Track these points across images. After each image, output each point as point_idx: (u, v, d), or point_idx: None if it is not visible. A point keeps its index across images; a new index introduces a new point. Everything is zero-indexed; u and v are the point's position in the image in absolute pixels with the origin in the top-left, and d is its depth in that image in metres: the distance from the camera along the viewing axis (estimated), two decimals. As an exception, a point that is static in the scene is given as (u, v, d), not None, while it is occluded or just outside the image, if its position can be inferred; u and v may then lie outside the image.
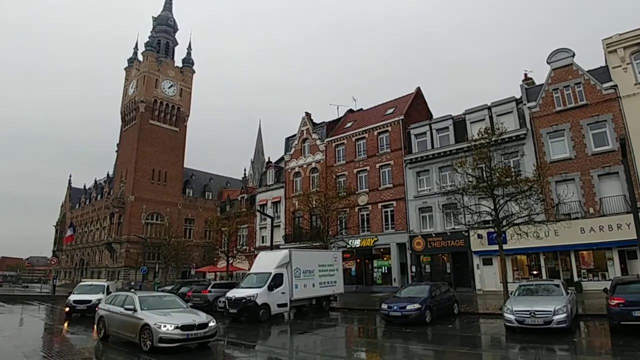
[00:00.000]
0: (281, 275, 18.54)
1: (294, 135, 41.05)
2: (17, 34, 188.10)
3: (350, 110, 41.14)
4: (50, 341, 14.04)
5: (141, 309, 11.24)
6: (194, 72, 70.68)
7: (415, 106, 34.98)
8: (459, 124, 29.28)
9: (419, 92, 36.74)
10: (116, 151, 69.51)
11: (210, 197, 69.05)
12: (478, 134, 19.18)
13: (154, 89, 64.17)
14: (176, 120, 66.70)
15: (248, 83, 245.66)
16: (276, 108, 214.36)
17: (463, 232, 26.10)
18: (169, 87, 66.44)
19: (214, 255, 44.84)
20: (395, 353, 11.41)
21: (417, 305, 14.58)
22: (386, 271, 31.86)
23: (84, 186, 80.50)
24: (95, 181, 77.39)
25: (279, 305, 18.04)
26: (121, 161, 66.22)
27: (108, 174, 73.03)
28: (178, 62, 69.91)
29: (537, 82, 28.12)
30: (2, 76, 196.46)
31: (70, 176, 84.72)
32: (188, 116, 68.72)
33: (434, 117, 33.81)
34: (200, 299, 22.01)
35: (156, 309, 11.41)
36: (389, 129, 33.27)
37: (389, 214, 32.08)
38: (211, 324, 11.19)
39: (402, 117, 32.76)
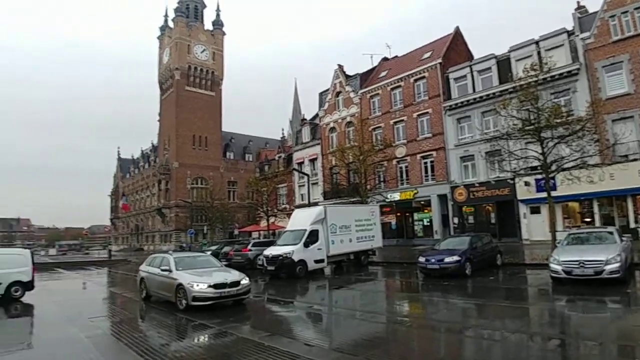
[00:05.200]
0: (316, 231, 18.40)
1: (328, 90, 39.91)
2: (55, 27, 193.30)
3: (385, 59, 39.15)
4: (97, 302, 14.83)
5: (176, 270, 11.43)
6: (224, 34, 69.78)
7: (453, 48, 32.59)
8: (503, 63, 27.04)
9: (457, 32, 34.10)
10: (158, 120, 71.24)
11: (250, 159, 69.96)
12: (524, 72, 17.49)
13: (186, 55, 64.23)
14: (211, 84, 66.89)
15: (282, 41, 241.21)
16: (311, 65, 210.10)
17: (508, 180, 24.68)
18: (202, 52, 66.20)
19: (256, 215, 45.85)
20: (434, 306, 11.01)
21: (455, 258, 13.97)
22: (427, 224, 31.14)
23: (132, 156, 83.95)
24: (142, 151, 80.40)
25: (316, 261, 18.02)
26: (163, 129, 67.99)
27: (152, 143, 75.44)
28: (208, 25, 69.17)
29: (592, 10, 25.10)
30: (50, 64, 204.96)
31: (118, 148, 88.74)
32: (222, 80, 68.65)
33: (475, 58, 31.39)
34: (242, 258, 22.62)
35: (190, 268, 11.56)
36: (426, 74, 31.38)
37: (429, 164, 30.91)
38: (243, 281, 11.23)
39: (439, 60, 30.68)
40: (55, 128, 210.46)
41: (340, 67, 38.95)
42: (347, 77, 38.34)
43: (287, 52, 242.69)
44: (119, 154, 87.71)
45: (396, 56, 38.38)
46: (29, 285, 14.47)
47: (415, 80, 32.12)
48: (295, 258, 17.27)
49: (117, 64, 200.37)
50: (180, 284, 10.75)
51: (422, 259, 14.82)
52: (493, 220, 27.43)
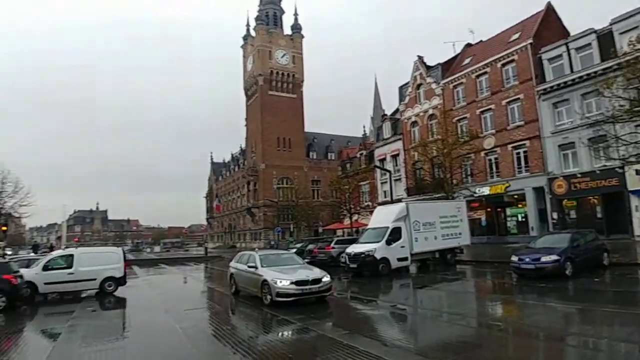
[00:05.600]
0: (399, 229, 18.00)
1: (407, 83, 38.83)
2: (143, 36, 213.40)
3: (468, 45, 36.94)
4: (193, 295, 16.06)
5: (261, 266, 11.92)
6: (302, 37, 71.44)
7: (545, 25, 29.61)
8: (605, 38, 23.96)
9: (549, 7, 30.95)
10: (245, 125, 75.33)
11: (332, 158, 70.81)
12: (629, 46, 15.37)
13: (268, 61, 66.92)
14: (292, 87, 68.92)
15: (359, 37, 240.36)
16: (390, 59, 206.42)
17: (616, 169, 21.84)
18: (282, 57, 68.52)
19: (339, 213, 46.27)
20: (528, 309, 10.09)
21: (554, 257, 12.64)
22: (522, 219, 28.77)
23: (223, 160, 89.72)
24: (232, 155, 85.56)
25: (399, 259, 17.63)
26: (250, 134, 71.69)
27: (241, 147, 79.88)
28: (287, 30, 71.35)
29: None
30: (154, 74, 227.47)
31: (211, 153, 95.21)
32: (303, 81, 70.37)
33: (571, 35, 28.25)
34: (325, 255, 22.93)
35: (275, 266, 11.97)
36: (515, 57, 29.00)
37: (522, 155, 28.56)
38: (325, 279, 11.35)
39: (530, 41, 28.12)
40: (157, 135, 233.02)
41: (420, 58, 37.65)
42: (428, 67, 36.93)
43: (366, 47, 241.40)
44: (211, 159, 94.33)
45: (481, 41, 36.02)
46: (121, 281, 15.78)
47: (503, 65, 29.87)
48: (378, 256, 17.07)
49: (209, 75, 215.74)
50: (265, 280, 11.20)
51: (515, 258, 13.71)
52: (599, 215, 24.46)
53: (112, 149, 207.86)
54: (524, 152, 28.36)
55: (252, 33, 70.41)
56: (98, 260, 15.56)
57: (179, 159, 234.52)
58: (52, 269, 14.68)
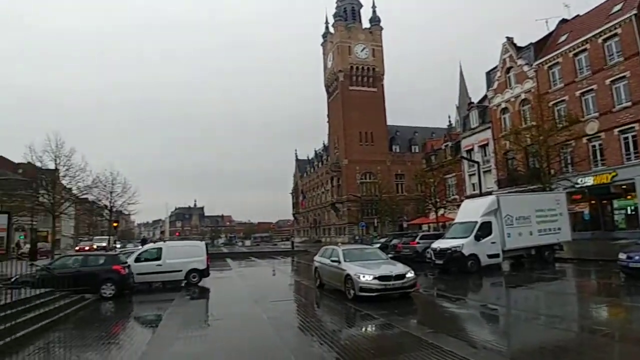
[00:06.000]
0: (489, 223, 17.03)
1: (495, 68, 36.38)
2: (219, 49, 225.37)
3: (563, 21, 33.45)
4: (280, 287, 16.79)
5: (344, 261, 12.11)
6: (381, 29, 70.48)
7: (656, -9, 25.82)
8: None
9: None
10: (327, 122, 76.56)
11: (416, 151, 69.04)
12: None
13: (348, 56, 67.13)
14: (373, 81, 68.41)
15: (440, 24, 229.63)
16: (475, 44, 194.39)
17: None
18: (361, 51, 68.27)
19: (424, 207, 45.02)
20: (637, 313, 9.01)
21: (671, 254, 11.11)
22: (631, 213, 25.46)
23: (307, 157, 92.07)
24: (315, 151, 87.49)
25: (490, 256, 16.68)
26: (332, 130, 72.74)
27: (324, 143, 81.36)
28: (366, 24, 70.91)
29: None
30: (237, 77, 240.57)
31: (296, 150, 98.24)
32: (383, 74, 69.49)
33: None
34: (410, 250, 22.56)
35: (358, 260, 12.08)
36: (618, 30, 25.65)
37: (630, 140, 25.26)
38: (409, 275, 11.22)
39: (634, 11, 24.63)
40: (245, 136, 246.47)
41: (509, 39, 34.98)
42: (518, 49, 34.20)
43: (448, 34, 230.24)
44: (296, 156, 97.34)
45: (577, 15, 32.43)
46: (204, 273, 16.73)
47: (605, 40, 26.60)
48: (466, 252, 16.33)
49: (290, 75, 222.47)
50: (348, 275, 11.35)
51: (623, 256, 12.22)
52: None
53: (206, 150, 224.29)
54: (633, 136, 25.10)
55: (331, 30, 71.18)
56: (183, 253, 16.69)
57: (266, 157, 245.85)
58: (144, 260, 15.94)
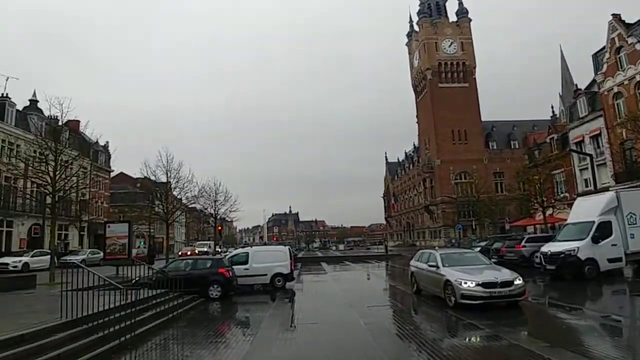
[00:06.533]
0: (608, 223, 15.10)
1: (603, 49, 32.24)
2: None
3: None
4: (376, 292, 16.57)
5: (443, 266, 11.56)
6: (470, 20, 66.77)
7: None
8: None
9: None
10: (416, 122, 74.64)
11: (516, 146, 64.03)
12: None
13: (435, 53, 64.75)
14: (464, 75, 65.10)
15: (536, 7, 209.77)
16: (576, 27, 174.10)
17: None
18: (449, 46, 65.44)
19: (529, 207, 41.36)
20: None
21: None
22: None
23: (398, 159, 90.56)
24: (405, 153, 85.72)
25: (610, 260, 14.75)
26: (422, 130, 70.71)
27: (414, 145, 79.38)
28: (452, 17, 67.80)
29: None
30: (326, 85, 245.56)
31: (385, 153, 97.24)
32: (475, 68, 65.77)
33: None
34: (515, 255, 20.96)
35: (457, 265, 11.48)
36: None
37: None
38: (517, 281, 10.38)
39: None
40: (334, 142, 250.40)
41: (616, 16, 30.72)
42: (628, 26, 29.90)
43: (545, 18, 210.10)
44: (386, 159, 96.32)
45: None
46: (288, 277, 17.10)
47: None
48: (582, 256, 14.65)
49: (374, 76, 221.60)
50: (448, 281, 10.80)
51: None
52: None
53: (298, 157, 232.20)
54: None
55: (416, 28, 69.38)
56: (268, 258, 17.29)
57: (355, 161, 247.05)
58: (233, 264, 16.56)
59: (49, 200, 18.81)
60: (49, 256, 21.30)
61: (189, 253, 40.08)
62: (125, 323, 8.22)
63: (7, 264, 24.82)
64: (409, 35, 73.02)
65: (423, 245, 58.59)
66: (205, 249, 44.61)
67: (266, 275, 16.84)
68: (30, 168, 20.67)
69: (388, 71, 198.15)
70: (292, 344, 8.32)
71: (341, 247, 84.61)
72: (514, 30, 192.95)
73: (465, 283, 10.26)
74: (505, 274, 10.67)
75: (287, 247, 20.68)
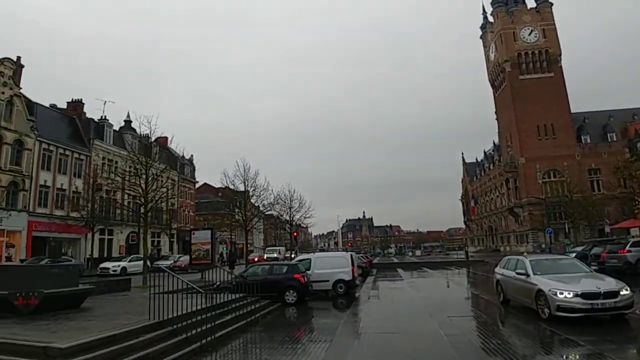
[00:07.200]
0: None
1: None
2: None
3: None
4: (457, 301, 15.62)
5: (534, 274, 10.53)
6: (551, 4, 61.53)
7: None
8: None
9: None
10: (496, 119, 70.48)
11: (614, 139, 57.64)
12: None
13: (513, 43, 60.66)
14: (547, 64, 60.10)
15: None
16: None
17: None
18: (529, 34, 60.85)
19: (633, 206, 36.88)
20: None
21: None
22: None
23: (476, 159, 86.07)
24: (485, 152, 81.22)
25: None
26: (502, 127, 66.54)
27: (494, 143, 74.94)
28: (531, 3, 63.10)
29: None
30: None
31: (462, 154, 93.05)
32: (560, 55, 60.42)
33: None
34: (618, 261, 18.63)
35: (551, 273, 10.40)
36: None
37: None
38: (623, 292, 9.15)
39: None
40: (405, 146, 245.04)
41: None
42: None
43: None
44: (463, 159, 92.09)
45: None
46: (350, 284, 16.88)
47: None
48: None
49: (447, 74, 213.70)
50: (540, 290, 9.76)
51: None
52: None
53: (370, 163, 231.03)
54: None
55: (490, 19, 65.72)
56: (330, 264, 17.30)
57: (430, 165, 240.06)
58: None
59: (142, 210, 20.43)
60: (143, 261, 23.17)
61: (256, 259, 40.68)
62: (207, 325, 8.51)
63: (107, 268, 27.75)
64: (482, 27, 69.39)
65: (508, 251, 54.87)
66: (275, 255, 45.17)
67: (328, 281, 16.96)
68: (126, 182, 22.68)
69: (459, 69, 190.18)
70: (367, 353, 7.98)
71: (418, 252, 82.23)
72: (595, 10, 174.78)
73: (562, 293, 9.17)
74: (609, 283, 9.45)
75: (349, 253, 20.59)
